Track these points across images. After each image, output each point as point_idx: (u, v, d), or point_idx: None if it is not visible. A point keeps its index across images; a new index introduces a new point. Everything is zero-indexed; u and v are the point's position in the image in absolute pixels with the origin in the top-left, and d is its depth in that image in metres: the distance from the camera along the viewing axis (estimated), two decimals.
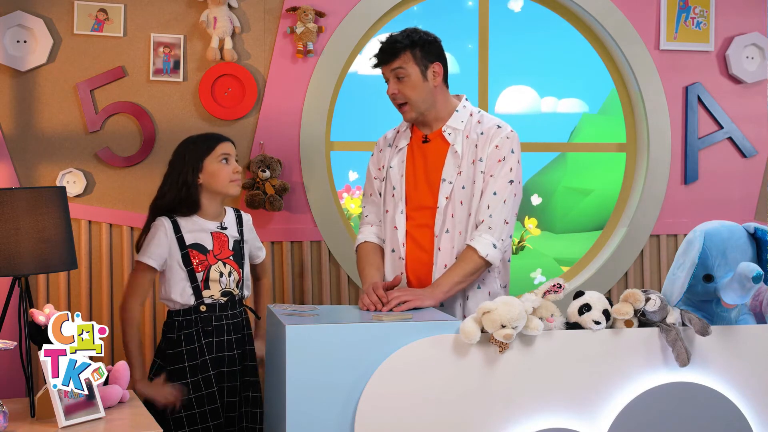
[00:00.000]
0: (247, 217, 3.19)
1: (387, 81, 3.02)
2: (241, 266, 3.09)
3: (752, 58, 4.37)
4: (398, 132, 3.15)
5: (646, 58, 4.27)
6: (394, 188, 3.06)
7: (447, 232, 2.96)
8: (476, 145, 2.96)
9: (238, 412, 3.04)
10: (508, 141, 2.95)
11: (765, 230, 2.72)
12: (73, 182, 3.72)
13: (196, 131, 3.20)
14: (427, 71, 2.97)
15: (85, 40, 3.74)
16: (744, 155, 4.42)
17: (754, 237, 2.73)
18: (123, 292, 3.04)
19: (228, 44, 3.81)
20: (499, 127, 2.98)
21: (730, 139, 4.40)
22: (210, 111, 3.84)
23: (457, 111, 3.03)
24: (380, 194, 3.13)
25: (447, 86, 3.06)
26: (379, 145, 3.19)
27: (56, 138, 3.72)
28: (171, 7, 3.82)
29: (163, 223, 2.99)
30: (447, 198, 2.95)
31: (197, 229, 3.02)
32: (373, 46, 3.05)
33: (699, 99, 4.34)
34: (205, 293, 2.99)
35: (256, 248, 3.22)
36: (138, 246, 3.08)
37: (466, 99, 3.09)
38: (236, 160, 3.09)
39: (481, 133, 2.97)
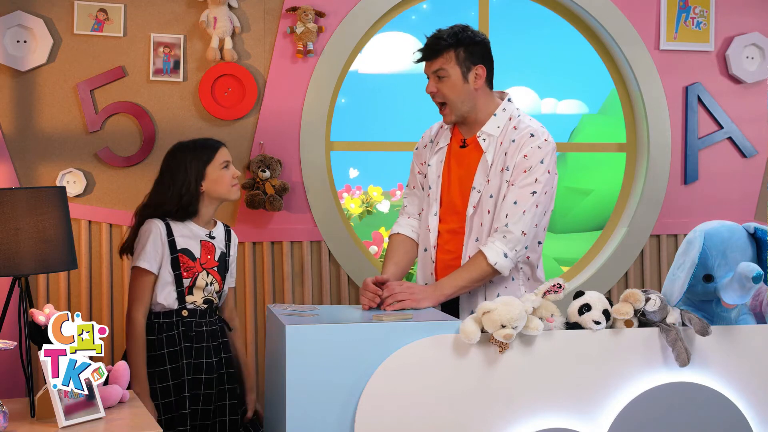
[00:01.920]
0: (234, 236, 3.19)
1: (428, 77, 2.95)
2: (223, 278, 3.09)
3: (752, 58, 4.37)
4: (441, 127, 3.09)
5: (646, 58, 4.27)
6: (430, 188, 3.03)
7: (476, 240, 2.91)
8: (506, 153, 2.89)
9: (212, 421, 3.03)
10: (539, 151, 2.85)
11: (765, 230, 2.72)
12: (73, 182, 3.72)
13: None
14: (469, 73, 2.90)
15: (85, 40, 3.74)
16: (744, 155, 4.42)
17: (754, 237, 2.73)
18: (127, 302, 3.01)
19: (228, 44, 3.81)
20: (532, 135, 2.88)
21: (730, 139, 4.40)
22: (210, 111, 3.84)
23: (495, 115, 2.95)
24: (422, 187, 3.10)
25: (491, 87, 2.99)
26: (423, 139, 3.14)
27: (56, 138, 3.72)
28: (171, 7, 3.82)
29: (157, 226, 2.97)
30: (474, 207, 2.91)
31: (188, 234, 3.02)
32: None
33: (699, 99, 4.34)
34: (188, 299, 2.99)
35: (230, 273, 3.19)
36: (124, 249, 3.06)
37: (509, 100, 3.01)
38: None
39: (513, 141, 2.89)
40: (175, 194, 2.99)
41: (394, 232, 3.13)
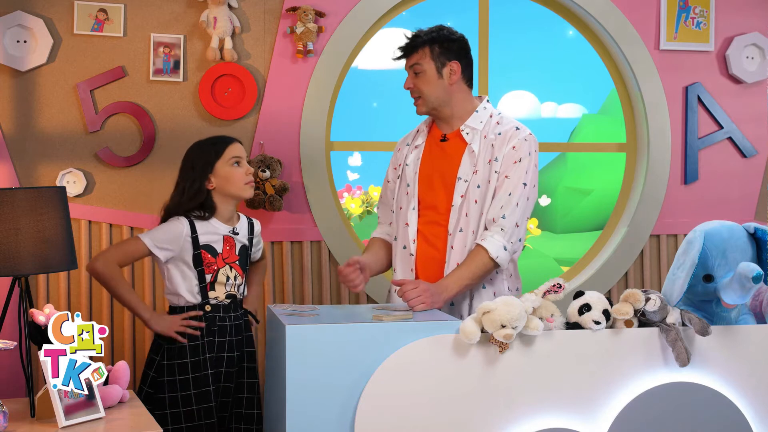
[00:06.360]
0: (258, 226, 3.22)
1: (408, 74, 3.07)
2: (245, 271, 3.12)
3: (752, 58, 4.37)
4: (417, 131, 3.18)
5: (646, 58, 4.27)
6: (408, 185, 3.07)
7: (461, 230, 2.96)
8: (493, 145, 2.97)
9: (230, 413, 3.06)
10: (526, 143, 2.96)
11: (765, 230, 2.72)
12: (73, 182, 3.72)
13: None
14: (443, 69, 2.99)
15: (85, 40, 3.74)
16: (744, 155, 4.42)
17: (754, 237, 2.73)
18: (102, 250, 3.01)
19: (228, 44, 3.81)
20: (517, 129, 2.99)
21: (730, 139, 4.40)
22: (210, 111, 3.84)
23: (476, 111, 3.04)
24: (393, 197, 3.16)
25: (470, 86, 3.08)
26: (398, 145, 3.23)
27: (56, 138, 3.72)
28: (171, 7, 3.82)
29: (182, 222, 3.00)
30: (462, 196, 2.96)
31: (211, 231, 3.03)
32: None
33: (699, 99, 4.34)
34: (210, 294, 3.01)
35: (258, 249, 3.24)
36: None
37: (488, 101, 3.11)
38: (248, 162, 3.11)
39: (499, 134, 2.98)
40: (189, 194, 3.02)
41: (371, 238, 3.23)
